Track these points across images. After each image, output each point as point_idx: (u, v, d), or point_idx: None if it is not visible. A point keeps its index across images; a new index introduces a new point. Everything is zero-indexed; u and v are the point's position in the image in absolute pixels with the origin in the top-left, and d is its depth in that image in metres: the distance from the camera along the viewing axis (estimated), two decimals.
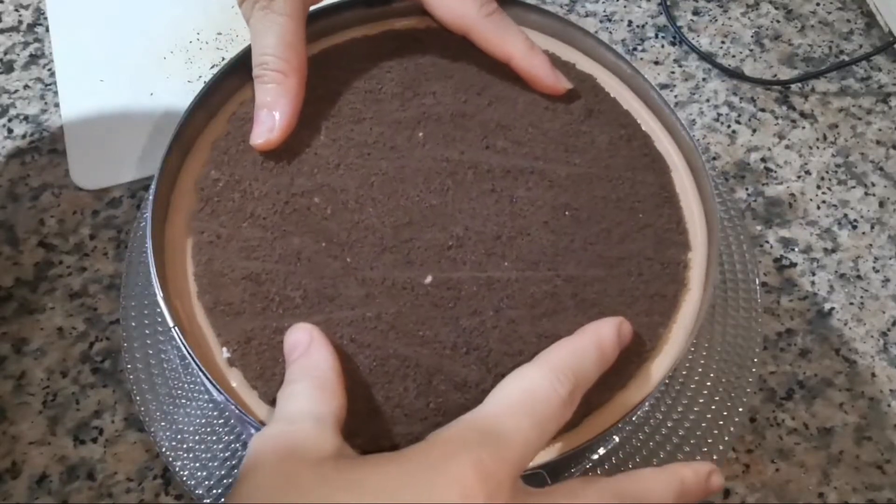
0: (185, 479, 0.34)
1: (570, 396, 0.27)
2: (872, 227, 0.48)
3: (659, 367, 0.31)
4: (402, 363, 0.30)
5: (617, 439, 0.34)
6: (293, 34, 0.34)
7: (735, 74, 0.54)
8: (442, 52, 0.38)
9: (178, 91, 0.51)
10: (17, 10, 0.55)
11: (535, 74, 0.36)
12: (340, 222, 0.33)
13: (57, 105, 0.51)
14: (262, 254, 0.32)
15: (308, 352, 0.29)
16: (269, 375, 0.30)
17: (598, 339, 0.30)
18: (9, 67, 0.53)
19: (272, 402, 0.30)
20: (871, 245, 0.47)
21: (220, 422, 0.35)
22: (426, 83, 0.37)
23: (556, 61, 0.38)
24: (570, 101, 0.37)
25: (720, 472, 0.30)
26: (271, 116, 0.34)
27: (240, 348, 0.31)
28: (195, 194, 0.34)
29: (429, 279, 0.32)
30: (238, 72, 0.36)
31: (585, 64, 0.39)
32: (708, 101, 0.53)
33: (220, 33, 0.54)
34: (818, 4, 0.57)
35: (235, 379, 0.31)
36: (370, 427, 0.29)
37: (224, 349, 0.31)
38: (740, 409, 0.35)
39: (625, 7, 0.57)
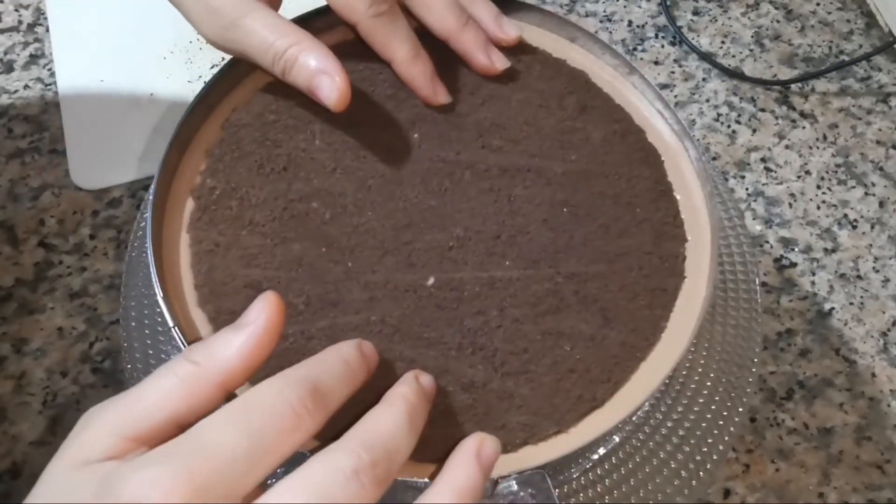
0: None
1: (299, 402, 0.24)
2: (872, 227, 0.48)
3: (659, 366, 0.31)
4: (409, 366, 0.30)
5: (617, 439, 0.34)
6: (276, 16, 0.34)
7: (735, 74, 0.53)
8: (432, 52, 0.38)
9: (178, 91, 0.51)
10: (17, 10, 0.55)
11: (413, 86, 0.36)
12: (340, 226, 0.33)
13: (57, 105, 0.51)
14: (263, 261, 0.32)
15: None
16: None
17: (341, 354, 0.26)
18: (9, 67, 0.53)
19: None
20: (871, 245, 0.47)
21: None
22: None
23: (547, 57, 0.38)
24: (563, 97, 0.37)
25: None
26: (324, 76, 0.33)
27: None
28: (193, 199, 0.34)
29: (431, 281, 0.32)
30: (238, 71, 0.36)
31: (578, 59, 0.39)
32: (708, 101, 0.53)
33: None
34: (818, 4, 0.57)
35: None
36: None
37: None
38: (740, 409, 0.35)
39: (625, 7, 0.57)
